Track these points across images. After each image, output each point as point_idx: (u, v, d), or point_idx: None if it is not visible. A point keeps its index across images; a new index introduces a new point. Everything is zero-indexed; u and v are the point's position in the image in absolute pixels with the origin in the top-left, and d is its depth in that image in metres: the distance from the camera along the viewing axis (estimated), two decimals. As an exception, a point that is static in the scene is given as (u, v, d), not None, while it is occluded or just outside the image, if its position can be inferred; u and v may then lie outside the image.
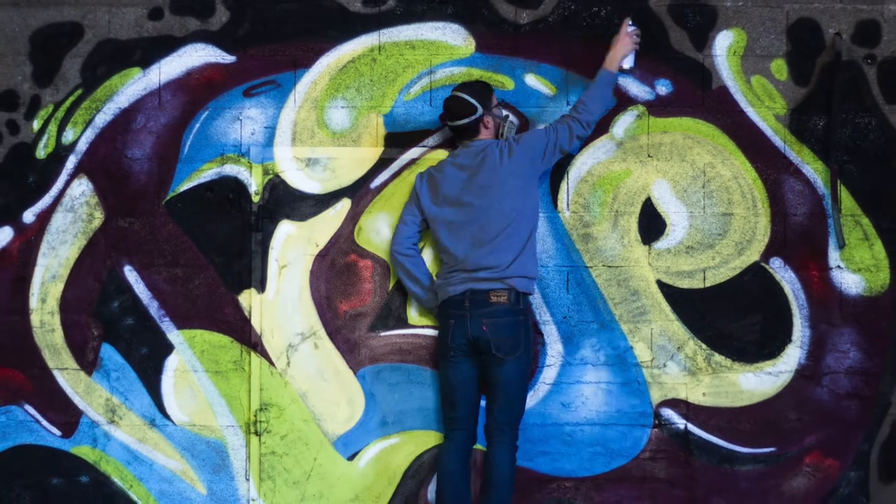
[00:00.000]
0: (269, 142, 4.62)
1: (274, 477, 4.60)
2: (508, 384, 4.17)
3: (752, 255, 4.58)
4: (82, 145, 4.62)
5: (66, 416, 4.59)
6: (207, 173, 4.62)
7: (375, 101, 4.62)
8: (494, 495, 4.13)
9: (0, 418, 4.59)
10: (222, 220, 4.61)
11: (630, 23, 4.43)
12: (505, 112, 4.45)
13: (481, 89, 4.35)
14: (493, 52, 4.61)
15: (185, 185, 4.62)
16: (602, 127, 4.56)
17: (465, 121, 4.26)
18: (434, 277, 4.41)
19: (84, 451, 4.61)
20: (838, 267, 4.56)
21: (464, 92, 4.30)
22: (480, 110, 4.27)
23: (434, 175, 4.35)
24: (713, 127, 4.58)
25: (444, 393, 4.34)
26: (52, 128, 4.63)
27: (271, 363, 4.60)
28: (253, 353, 4.59)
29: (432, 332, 4.57)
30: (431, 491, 4.56)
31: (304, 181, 4.61)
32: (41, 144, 4.63)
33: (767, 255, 4.57)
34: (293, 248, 4.62)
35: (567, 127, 4.30)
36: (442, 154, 4.57)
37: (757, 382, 4.56)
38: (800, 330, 4.55)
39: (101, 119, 4.62)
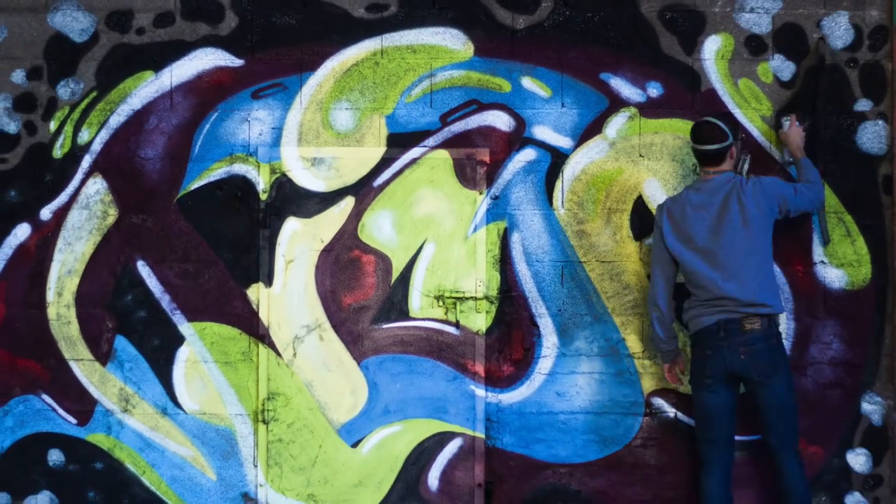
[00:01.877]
0: (276, 142, 4.74)
1: (281, 463, 4.73)
2: (778, 404, 4.17)
3: (740, 251, 4.70)
4: (97, 145, 4.74)
5: (82, 405, 4.72)
6: (217, 172, 4.74)
7: (378, 103, 4.74)
8: None
9: (18, 407, 4.72)
10: (231, 217, 4.74)
11: (797, 122, 4.53)
12: (746, 151, 4.52)
13: (732, 122, 4.39)
14: (491, 56, 4.73)
15: (196, 184, 4.74)
16: (595, 128, 4.71)
17: (715, 146, 4.25)
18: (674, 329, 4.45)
19: (98, 438, 4.73)
20: (822, 262, 4.68)
21: (717, 119, 4.30)
22: (731, 139, 4.27)
23: (673, 211, 4.31)
24: (702, 128, 4.70)
25: (700, 418, 4.31)
26: (68, 129, 4.75)
27: (278, 354, 4.72)
28: (261, 345, 4.71)
29: (432, 325, 4.71)
30: (432, 477, 4.70)
31: (309, 180, 4.74)
32: (57, 144, 4.75)
33: (754, 250, 4.69)
34: (299, 243, 4.74)
35: (802, 197, 4.31)
36: (442, 154, 4.71)
37: (744, 373, 4.69)
38: (785, 322, 4.65)
39: (115, 120, 4.74)
